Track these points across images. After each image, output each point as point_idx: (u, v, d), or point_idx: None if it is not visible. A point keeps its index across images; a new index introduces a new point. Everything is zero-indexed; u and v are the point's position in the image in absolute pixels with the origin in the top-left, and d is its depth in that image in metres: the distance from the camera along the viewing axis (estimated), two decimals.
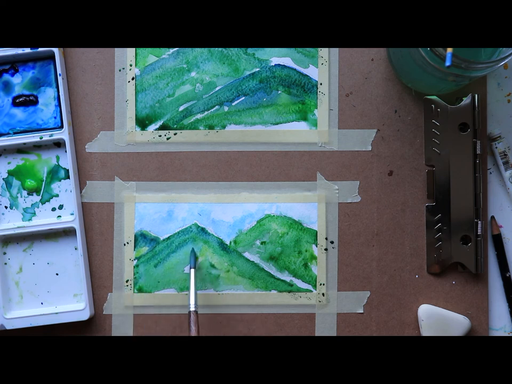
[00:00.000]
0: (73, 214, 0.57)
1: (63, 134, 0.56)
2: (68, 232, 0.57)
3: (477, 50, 0.52)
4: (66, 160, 0.57)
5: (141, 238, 0.58)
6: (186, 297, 0.57)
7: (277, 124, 0.58)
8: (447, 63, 0.45)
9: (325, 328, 0.57)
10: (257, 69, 0.58)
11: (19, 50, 0.56)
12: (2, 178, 0.57)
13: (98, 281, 0.57)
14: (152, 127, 0.58)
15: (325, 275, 0.57)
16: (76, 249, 0.57)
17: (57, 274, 0.57)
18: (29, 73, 0.58)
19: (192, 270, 0.54)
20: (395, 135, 0.58)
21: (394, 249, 0.57)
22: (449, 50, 0.45)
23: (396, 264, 0.57)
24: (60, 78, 0.56)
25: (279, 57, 0.58)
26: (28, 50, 0.56)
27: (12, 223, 0.57)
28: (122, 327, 0.57)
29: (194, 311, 0.51)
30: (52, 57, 0.57)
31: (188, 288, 0.54)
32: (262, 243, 0.58)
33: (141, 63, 0.58)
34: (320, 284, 0.57)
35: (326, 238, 0.57)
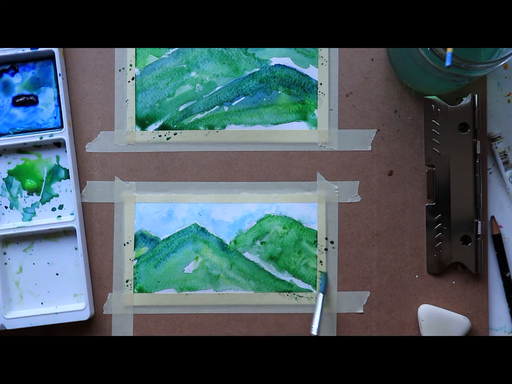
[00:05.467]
0: (73, 214, 0.57)
1: (63, 134, 0.56)
2: (68, 232, 0.57)
3: (477, 50, 0.52)
4: (66, 160, 0.57)
5: (141, 238, 0.58)
6: (186, 297, 0.57)
7: (277, 123, 0.58)
8: (447, 63, 0.45)
9: (325, 328, 0.57)
10: (257, 69, 0.58)
11: (19, 50, 0.56)
12: (2, 178, 0.57)
13: (98, 281, 0.57)
14: (152, 127, 0.58)
15: None
16: (76, 249, 0.57)
17: (57, 274, 0.57)
18: (29, 73, 0.58)
19: (321, 295, 0.55)
20: (395, 135, 0.58)
21: (394, 249, 0.57)
22: (449, 50, 0.45)
23: (396, 264, 0.57)
24: (59, 78, 0.56)
25: (279, 57, 0.58)
26: (28, 50, 0.56)
27: (12, 223, 0.57)
28: (122, 327, 0.57)
29: (316, 336, 0.52)
30: (52, 57, 0.57)
31: (314, 311, 0.54)
32: (262, 243, 0.58)
33: (141, 63, 0.58)
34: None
35: (326, 238, 0.57)
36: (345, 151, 0.58)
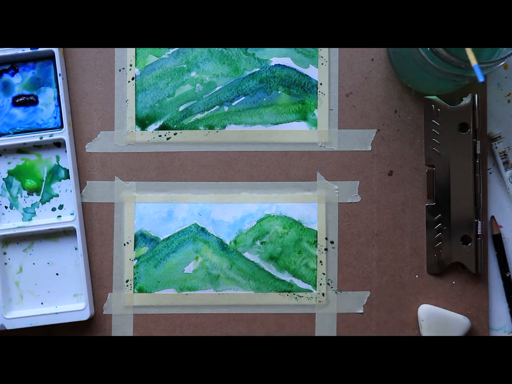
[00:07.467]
0: (73, 214, 0.57)
1: (63, 134, 0.56)
2: (68, 232, 0.57)
3: (477, 50, 0.52)
4: (66, 160, 0.57)
5: (141, 238, 0.58)
6: (186, 297, 0.57)
7: (277, 123, 0.58)
8: (480, 79, 0.44)
9: (325, 328, 0.57)
10: (257, 69, 0.58)
11: (19, 50, 0.56)
12: (2, 178, 0.57)
13: (98, 281, 0.57)
14: (152, 127, 0.58)
15: (325, 275, 0.57)
16: (76, 249, 0.57)
17: (57, 274, 0.57)
18: (29, 73, 0.58)
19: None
20: (395, 135, 0.58)
21: (394, 249, 0.57)
22: (475, 62, 0.44)
23: (396, 264, 0.57)
24: (59, 78, 0.56)
25: (279, 57, 0.58)
26: (28, 50, 0.56)
27: (12, 223, 0.57)
28: (122, 327, 0.57)
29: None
30: (52, 57, 0.57)
31: None
32: (262, 243, 0.58)
33: (141, 63, 0.58)
34: (320, 284, 0.57)
35: (326, 238, 0.57)
36: (345, 151, 0.58)
